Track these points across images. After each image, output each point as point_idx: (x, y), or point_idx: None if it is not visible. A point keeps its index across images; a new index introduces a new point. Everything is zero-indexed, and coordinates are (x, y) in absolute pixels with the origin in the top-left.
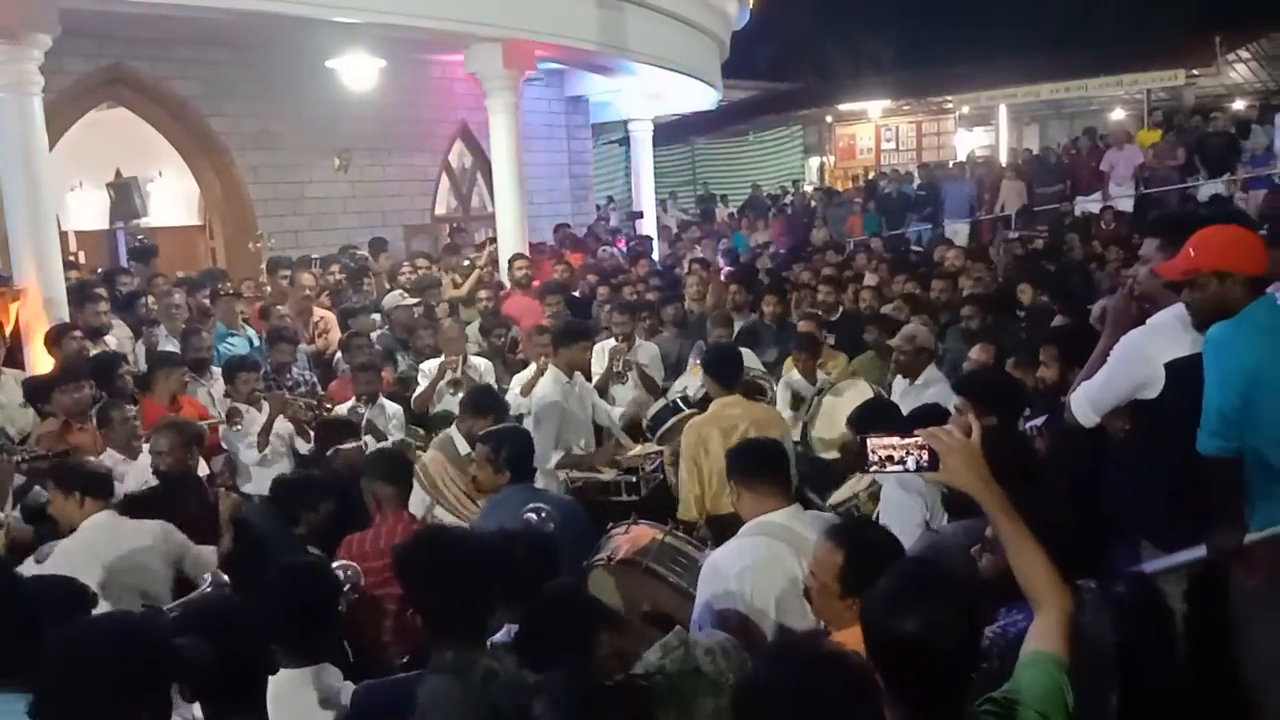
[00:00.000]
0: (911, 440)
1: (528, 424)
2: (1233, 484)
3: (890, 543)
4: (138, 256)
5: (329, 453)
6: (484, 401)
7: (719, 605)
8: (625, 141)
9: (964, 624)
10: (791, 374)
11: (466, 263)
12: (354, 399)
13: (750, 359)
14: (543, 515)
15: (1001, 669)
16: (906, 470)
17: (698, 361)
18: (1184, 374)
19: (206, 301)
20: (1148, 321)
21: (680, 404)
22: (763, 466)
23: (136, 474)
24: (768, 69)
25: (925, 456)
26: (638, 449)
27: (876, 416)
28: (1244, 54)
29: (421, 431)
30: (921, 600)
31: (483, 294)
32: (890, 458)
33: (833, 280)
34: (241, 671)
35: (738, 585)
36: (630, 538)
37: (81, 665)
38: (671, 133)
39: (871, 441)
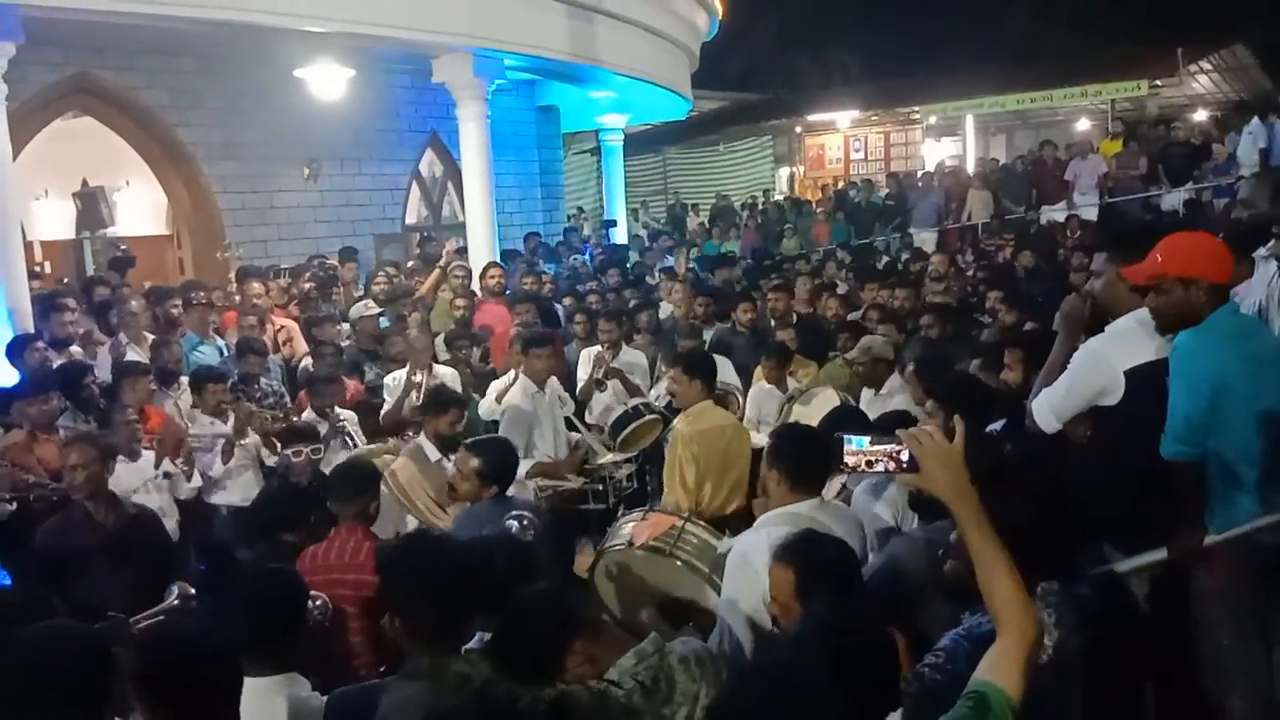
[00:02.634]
0: (890, 443)
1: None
2: (1194, 488)
3: (840, 550)
4: (116, 267)
5: (279, 461)
6: (442, 399)
7: (748, 594)
8: (597, 151)
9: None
10: (761, 384)
11: (412, 263)
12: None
13: (723, 370)
14: (524, 523)
15: (968, 671)
16: (883, 473)
17: (667, 371)
18: (1144, 380)
19: (174, 311)
20: (1107, 329)
21: (641, 409)
22: (806, 457)
23: (135, 475)
24: (738, 80)
25: (904, 458)
26: (608, 457)
27: (845, 422)
28: (1205, 65)
29: (392, 441)
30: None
31: (460, 302)
32: (869, 461)
33: (781, 288)
34: (209, 692)
35: (766, 575)
36: (649, 524)
37: (22, 674)
38: (643, 142)
39: (847, 443)
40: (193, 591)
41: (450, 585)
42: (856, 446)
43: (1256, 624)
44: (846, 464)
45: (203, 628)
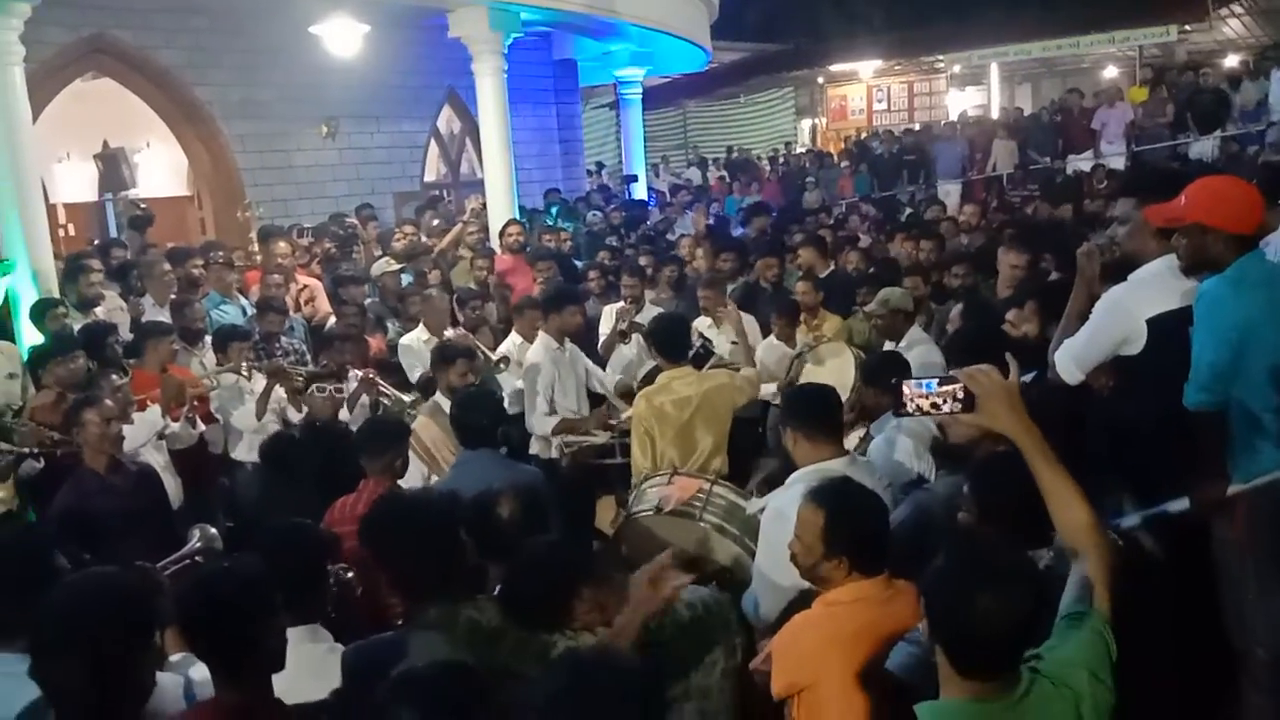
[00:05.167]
0: (948, 385)
1: (514, 389)
2: (1217, 437)
3: (872, 501)
4: (135, 225)
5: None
6: (446, 352)
7: (784, 550)
8: (615, 105)
9: (1030, 596)
10: (770, 339)
11: (437, 222)
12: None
13: (722, 342)
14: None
15: None
16: (943, 413)
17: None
18: (1166, 328)
19: (196, 271)
20: (1130, 276)
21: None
22: (818, 414)
23: (145, 428)
24: (758, 30)
25: (962, 398)
26: (628, 411)
27: (886, 368)
28: (1237, 8)
29: (414, 396)
30: (989, 578)
31: (480, 263)
32: (934, 403)
33: (805, 242)
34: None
35: None
36: (676, 488)
37: (71, 623)
38: (662, 96)
39: (907, 386)
40: (213, 531)
41: (426, 541)
42: (925, 389)
43: (1279, 574)
44: (915, 406)
45: (242, 570)
